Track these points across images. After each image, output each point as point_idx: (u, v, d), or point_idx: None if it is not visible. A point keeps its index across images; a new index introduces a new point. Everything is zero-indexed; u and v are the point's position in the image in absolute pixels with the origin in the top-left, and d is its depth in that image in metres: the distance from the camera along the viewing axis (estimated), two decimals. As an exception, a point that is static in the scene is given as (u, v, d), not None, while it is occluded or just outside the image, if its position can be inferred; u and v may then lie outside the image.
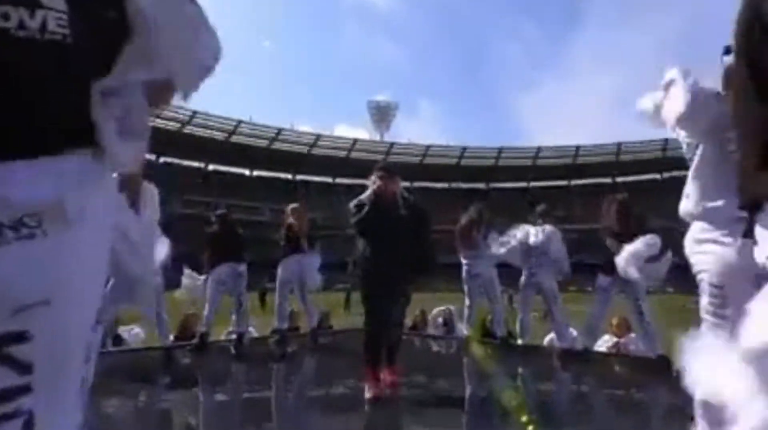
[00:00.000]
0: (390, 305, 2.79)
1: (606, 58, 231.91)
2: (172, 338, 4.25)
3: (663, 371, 3.49)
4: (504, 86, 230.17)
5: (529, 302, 4.29)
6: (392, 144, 70.24)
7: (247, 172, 68.76)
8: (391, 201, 2.80)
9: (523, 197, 70.16)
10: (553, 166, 68.18)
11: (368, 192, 2.87)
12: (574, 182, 71.25)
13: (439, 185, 70.73)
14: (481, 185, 76.17)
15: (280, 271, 4.71)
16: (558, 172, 68.53)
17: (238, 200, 60.95)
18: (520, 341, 4.21)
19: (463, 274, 4.63)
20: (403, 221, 2.76)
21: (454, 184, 74.30)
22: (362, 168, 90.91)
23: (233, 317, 4.60)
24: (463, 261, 4.66)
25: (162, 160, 64.55)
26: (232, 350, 4.33)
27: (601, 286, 3.92)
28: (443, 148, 71.02)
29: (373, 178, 2.90)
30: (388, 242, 2.72)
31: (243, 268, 4.42)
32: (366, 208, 2.77)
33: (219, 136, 60.90)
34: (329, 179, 73.49)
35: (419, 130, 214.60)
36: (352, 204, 2.88)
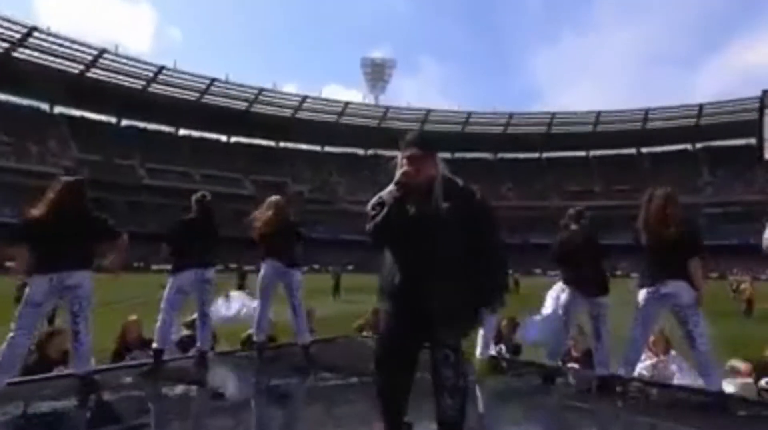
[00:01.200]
0: (409, 358, 2.10)
1: (634, 7, 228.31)
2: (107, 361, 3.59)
3: (721, 410, 3.10)
4: (516, 42, 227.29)
5: (567, 317, 3.92)
6: (388, 108, 69.67)
7: (223, 138, 68.17)
8: (426, 193, 2.03)
9: (536, 169, 70.30)
10: (570, 135, 67.96)
11: (392, 185, 2.12)
12: (593, 153, 71.32)
13: (440, 155, 70.34)
14: (487, 155, 75.96)
15: (261, 271, 4.34)
16: (575, 141, 68.40)
17: (214, 170, 60.62)
18: (547, 361, 3.96)
19: None
20: (448, 222, 2.00)
21: (457, 154, 73.97)
22: (354, 134, 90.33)
23: (195, 324, 4.23)
24: None
25: (124, 123, 63.65)
26: (194, 374, 3.83)
27: (641, 301, 3.46)
28: (446, 113, 70.49)
29: (399, 159, 2.11)
30: (422, 259, 2.00)
31: (211, 274, 4.01)
32: (383, 212, 2.03)
33: (190, 96, 60.02)
34: (317, 147, 72.98)
35: (419, 91, 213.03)
36: (370, 204, 2.15)
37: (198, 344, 4.10)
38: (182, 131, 65.17)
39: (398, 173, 2.04)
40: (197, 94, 60.03)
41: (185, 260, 3.91)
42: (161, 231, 4.30)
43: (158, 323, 3.89)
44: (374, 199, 2.15)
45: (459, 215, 2.02)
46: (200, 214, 4.08)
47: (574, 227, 3.91)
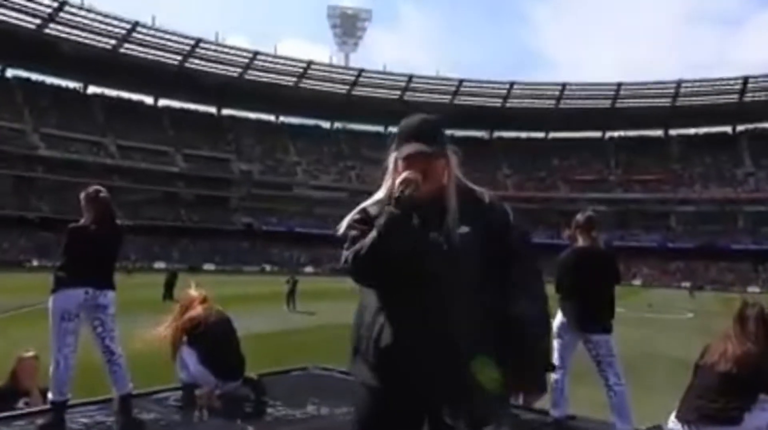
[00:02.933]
0: None
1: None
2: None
3: None
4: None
5: (566, 356, 3.94)
6: (361, 71, 69.35)
7: (148, 100, 66.94)
8: (434, 209, 1.71)
9: (541, 152, 70.98)
10: (584, 111, 69.25)
11: (381, 191, 1.81)
12: (610, 134, 72.75)
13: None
14: (482, 134, 76.65)
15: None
16: (590, 118, 69.64)
17: (135, 141, 59.42)
18: (553, 413, 3.99)
19: None
20: (470, 256, 1.69)
21: (445, 131, 73.81)
22: (317, 102, 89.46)
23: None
24: None
25: (10, 73, 61.18)
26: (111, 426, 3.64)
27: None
28: (432, 79, 70.76)
29: (392, 159, 1.79)
30: (432, 311, 1.67)
31: (107, 298, 3.78)
32: (372, 237, 1.65)
33: (104, 44, 58.56)
34: (270, 117, 72.39)
35: (399, 50, 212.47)
36: (349, 220, 1.81)
37: (115, 388, 3.80)
38: (93, 89, 63.65)
39: (397, 182, 1.67)
40: (114, 42, 58.58)
41: (71, 277, 3.69)
42: (63, 218, 4.13)
43: (51, 367, 3.63)
44: (354, 213, 1.80)
45: (486, 246, 1.71)
46: (95, 217, 3.85)
47: (582, 241, 3.91)
